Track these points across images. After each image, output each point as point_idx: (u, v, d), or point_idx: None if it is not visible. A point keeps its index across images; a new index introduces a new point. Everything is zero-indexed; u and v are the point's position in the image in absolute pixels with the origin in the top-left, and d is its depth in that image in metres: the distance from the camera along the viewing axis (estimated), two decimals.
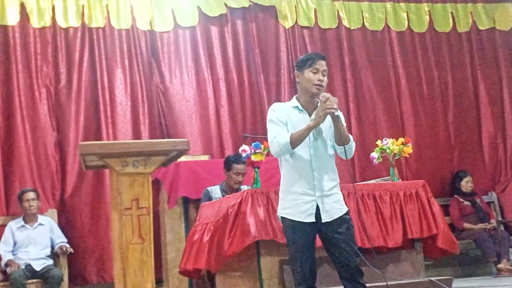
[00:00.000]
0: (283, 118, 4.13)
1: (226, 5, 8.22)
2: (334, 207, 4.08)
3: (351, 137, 4.14)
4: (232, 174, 6.30)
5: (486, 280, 7.45)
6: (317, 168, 4.07)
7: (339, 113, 4.01)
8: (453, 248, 5.93)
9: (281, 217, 4.17)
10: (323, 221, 4.04)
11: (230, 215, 5.18)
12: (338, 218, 4.07)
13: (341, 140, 4.05)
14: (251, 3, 8.33)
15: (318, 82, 4.09)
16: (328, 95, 4.01)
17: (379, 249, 5.55)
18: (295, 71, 4.23)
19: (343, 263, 4.07)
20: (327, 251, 4.16)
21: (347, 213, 4.14)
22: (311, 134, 4.08)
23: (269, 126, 4.20)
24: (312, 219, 4.04)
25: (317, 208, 4.04)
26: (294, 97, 4.26)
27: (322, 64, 4.13)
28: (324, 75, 4.12)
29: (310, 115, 4.14)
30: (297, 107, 4.17)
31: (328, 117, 4.06)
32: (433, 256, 6.15)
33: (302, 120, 4.09)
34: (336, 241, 4.06)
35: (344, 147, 4.06)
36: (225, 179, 6.40)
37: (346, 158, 4.12)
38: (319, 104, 4.05)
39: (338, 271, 4.14)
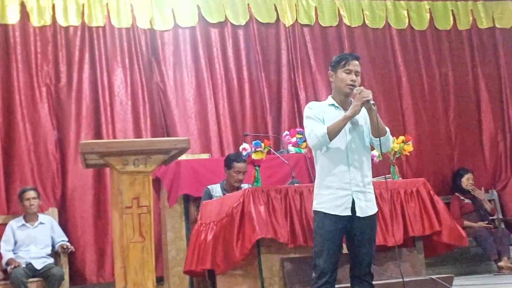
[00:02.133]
0: (320, 115, 4.18)
1: (225, 14, 8.22)
2: (367, 205, 4.15)
3: (387, 130, 4.19)
4: (233, 172, 6.30)
5: (487, 278, 7.45)
6: (353, 161, 4.13)
7: (374, 107, 4.08)
8: (461, 241, 5.93)
9: (315, 211, 4.21)
10: (357, 214, 4.10)
11: (235, 216, 5.16)
12: (368, 217, 4.14)
13: (377, 131, 4.11)
14: (250, 18, 8.34)
15: (351, 83, 4.15)
16: (362, 87, 4.10)
17: (379, 247, 5.54)
18: (329, 71, 4.29)
19: (360, 262, 4.17)
20: (348, 245, 4.23)
21: (376, 214, 4.23)
22: (347, 127, 4.13)
23: (306, 122, 4.24)
24: (349, 213, 4.09)
25: (353, 202, 4.10)
26: (330, 96, 4.32)
27: (355, 64, 4.19)
28: (357, 75, 4.18)
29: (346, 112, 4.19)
30: (333, 104, 4.23)
31: (364, 111, 4.14)
32: (439, 251, 6.13)
33: (339, 117, 4.13)
34: (361, 240, 4.14)
35: (380, 140, 4.12)
36: (226, 177, 6.40)
37: (381, 150, 4.20)
38: (354, 97, 4.11)
39: (351, 267, 4.22)
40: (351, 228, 4.15)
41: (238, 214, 5.14)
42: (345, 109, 4.17)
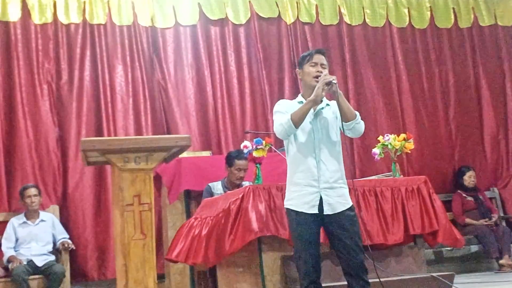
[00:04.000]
0: (289, 110, 4.17)
1: (226, 13, 8.22)
2: (338, 201, 4.11)
3: (357, 113, 4.17)
4: (234, 170, 6.31)
5: (488, 276, 7.45)
6: (321, 157, 4.11)
7: (339, 90, 4.06)
8: (456, 243, 5.92)
9: (286, 209, 4.21)
10: (324, 213, 4.06)
11: (231, 210, 5.18)
12: (341, 212, 4.10)
13: (346, 116, 4.10)
14: (251, 15, 8.34)
15: (317, 74, 4.16)
16: (326, 72, 4.14)
17: (380, 245, 5.55)
18: (297, 69, 4.32)
19: (348, 259, 4.10)
20: (332, 247, 4.21)
21: (351, 208, 4.16)
22: (315, 122, 4.14)
23: (274, 117, 4.26)
24: (315, 211, 4.06)
25: (321, 200, 4.07)
26: (299, 95, 4.33)
27: (319, 58, 4.22)
28: (324, 68, 4.19)
29: (314, 109, 4.17)
30: (302, 101, 4.22)
31: (334, 107, 4.13)
32: (434, 245, 6.14)
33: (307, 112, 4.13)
34: (341, 237, 4.08)
35: (350, 124, 4.11)
36: (227, 175, 6.41)
37: (353, 135, 4.19)
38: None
39: (342, 267, 4.17)
40: (327, 227, 4.12)
41: (235, 209, 5.14)
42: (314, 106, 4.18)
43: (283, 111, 4.19)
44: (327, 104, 4.27)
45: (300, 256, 4.10)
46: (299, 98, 4.28)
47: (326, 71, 4.16)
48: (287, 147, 4.25)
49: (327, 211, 4.07)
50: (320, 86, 4.04)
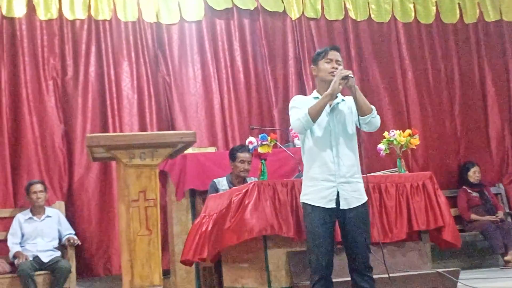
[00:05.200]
0: (304, 105, 4.20)
1: (233, 2, 8.22)
2: (353, 196, 4.15)
3: (373, 107, 4.21)
4: (237, 163, 6.32)
5: (493, 272, 7.44)
6: (338, 152, 4.15)
7: (355, 85, 4.11)
8: (457, 241, 5.92)
9: (302, 203, 4.23)
10: (341, 207, 4.10)
11: (232, 203, 5.17)
12: (356, 208, 4.14)
13: (362, 110, 4.13)
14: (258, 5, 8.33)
15: (332, 70, 4.19)
16: (341, 67, 4.19)
17: (385, 241, 5.54)
18: (312, 66, 4.37)
19: (355, 255, 4.16)
20: (343, 240, 4.24)
21: (365, 204, 4.21)
22: (331, 117, 4.17)
23: (290, 112, 4.31)
24: (333, 205, 4.10)
25: (337, 194, 4.11)
26: (315, 90, 4.36)
27: (334, 54, 4.26)
28: (339, 64, 4.23)
29: (330, 104, 4.20)
30: (318, 97, 4.24)
31: (349, 102, 4.18)
32: (439, 246, 6.13)
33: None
34: (352, 233, 4.14)
35: (366, 118, 4.15)
36: (232, 170, 6.41)
37: (371, 129, 4.24)
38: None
39: (348, 263, 4.21)
40: (341, 221, 4.16)
41: (236, 202, 5.12)
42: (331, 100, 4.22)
43: (299, 106, 4.22)
44: (342, 99, 4.31)
45: (313, 251, 4.13)
46: (314, 94, 4.32)
47: (341, 67, 4.19)
48: (303, 141, 4.29)
49: (343, 205, 4.12)
50: (337, 80, 4.07)
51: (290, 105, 4.33)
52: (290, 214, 5.12)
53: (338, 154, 4.14)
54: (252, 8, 8.28)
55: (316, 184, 4.15)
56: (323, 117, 4.17)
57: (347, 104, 4.28)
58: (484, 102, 9.14)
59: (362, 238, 4.13)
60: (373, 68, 8.70)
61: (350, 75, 4.08)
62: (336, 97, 4.23)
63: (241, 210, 5.08)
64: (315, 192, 4.14)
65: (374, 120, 4.21)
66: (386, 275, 4.56)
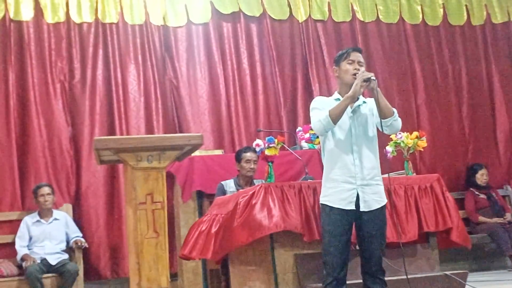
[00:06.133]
0: (325, 107, 4.19)
1: (239, 5, 8.22)
2: (373, 198, 4.16)
3: (395, 110, 4.20)
4: (243, 163, 6.33)
5: (501, 274, 7.42)
6: (359, 154, 4.14)
7: (377, 87, 4.10)
8: (467, 242, 5.90)
9: (321, 204, 4.23)
10: (361, 210, 4.10)
11: (239, 204, 5.15)
12: (375, 211, 4.14)
13: (383, 112, 4.12)
14: (263, 12, 8.34)
15: (355, 71, 4.18)
16: (363, 69, 4.17)
17: (393, 243, 5.53)
18: (334, 67, 4.36)
19: (369, 257, 4.17)
20: (358, 241, 4.25)
21: (383, 207, 4.20)
22: (352, 119, 4.17)
23: (311, 113, 4.29)
24: (352, 207, 4.10)
25: (357, 196, 4.11)
26: (336, 92, 4.36)
27: (356, 55, 4.26)
28: (360, 65, 4.22)
29: (351, 106, 4.21)
30: (339, 99, 4.25)
31: (370, 104, 4.18)
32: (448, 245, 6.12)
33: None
34: (369, 236, 4.15)
35: (387, 121, 4.13)
36: (238, 172, 6.41)
37: (392, 132, 4.27)
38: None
39: (361, 264, 4.23)
40: (359, 223, 4.15)
41: (243, 203, 5.11)
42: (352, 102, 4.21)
43: (320, 108, 4.21)
44: (364, 102, 4.30)
45: (329, 251, 4.12)
46: (336, 95, 4.31)
47: (363, 69, 4.17)
48: (323, 143, 4.28)
49: (363, 208, 4.12)
50: (359, 83, 4.07)
51: (311, 106, 4.33)
52: (299, 213, 5.10)
53: (359, 156, 4.14)
54: (258, 15, 8.29)
55: (336, 186, 4.15)
56: (344, 119, 4.17)
57: (368, 106, 4.27)
58: (491, 104, 9.11)
59: (378, 241, 4.14)
60: (381, 69, 8.67)
61: (372, 78, 4.07)
62: (358, 99, 4.23)
63: (249, 210, 5.07)
64: (335, 193, 4.14)
65: (396, 123, 4.20)
66: (394, 278, 4.55)
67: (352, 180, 4.12)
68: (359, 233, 4.20)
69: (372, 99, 4.21)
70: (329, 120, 4.07)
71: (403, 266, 5.31)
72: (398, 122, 4.22)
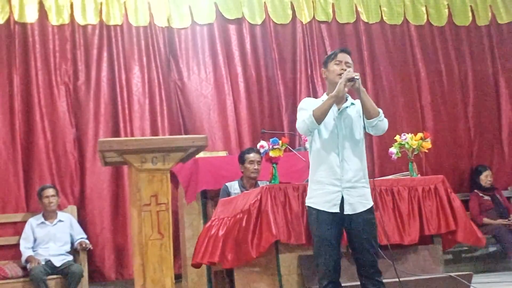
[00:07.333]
0: (313, 107, 4.17)
1: (243, 12, 8.23)
2: (359, 201, 4.12)
3: (380, 110, 4.17)
4: (247, 164, 6.34)
5: (506, 276, 7.40)
6: (344, 155, 4.12)
7: (361, 87, 4.08)
8: (477, 242, 5.88)
9: (308, 207, 4.21)
10: (345, 212, 4.07)
11: (252, 212, 5.13)
12: (361, 213, 4.11)
13: (368, 112, 4.10)
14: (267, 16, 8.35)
15: (341, 71, 4.16)
16: (349, 69, 4.13)
17: (398, 244, 5.52)
18: (322, 69, 4.34)
19: (363, 260, 4.13)
20: (349, 245, 4.22)
21: (371, 210, 4.16)
22: (338, 121, 4.14)
23: (298, 114, 4.28)
24: (337, 210, 4.07)
25: (342, 199, 4.08)
26: (325, 93, 4.34)
27: (344, 56, 4.24)
28: (348, 66, 4.20)
29: (339, 108, 4.20)
30: None
31: (358, 105, 4.15)
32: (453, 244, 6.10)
33: (331, 111, 4.15)
34: (359, 238, 4.11)
35: (373, 121, 4.11)
36: (242, 174, 6.41)
37: (377, 133, 4.22)
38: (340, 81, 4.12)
39: (357, 267, 4.18)
40: (348, 227, 4.13)
41: (255, 212, 5.12)
42: (339, 103, 4.19)
43: (307, 108, 4.19)
44: (352, 103, 4.28)
45: (320, 255, 4.11)
46: (324, 96, 4.30)
47: (350, 69, 4.16)
48: (310, 144, 4.27)
49: (347, 210, 4.09)
50: (342, 82, 4.05)
51: (299, 107, 4.32)
52: (301, 218, 5.09)
53: (344, 158, 4.11)
54: (260, 23, 8.29)
55: (321, 187, 4.13)
56: (331, 120, 4.15)
57: (356, 108, 4.24)
58: (497, 105, 9.11)
59: (369, 243, 4.10)
60: (386, 70, 8.68)
61: (356, 77, 4.05)
62: (346, 100, 4.22)
63: (262, 219, 5.05)
64: (320, 195, 4.12)
65: (381, 123, 4.17)
66: (397, 279, 4.54)
67: (337, 183, 4.09)
68: (349, 237, 4.17)
69: None
70: (312, 119, 4.05)
71: (406, 267, 5.33)
72: (384, 123, 4.20)
